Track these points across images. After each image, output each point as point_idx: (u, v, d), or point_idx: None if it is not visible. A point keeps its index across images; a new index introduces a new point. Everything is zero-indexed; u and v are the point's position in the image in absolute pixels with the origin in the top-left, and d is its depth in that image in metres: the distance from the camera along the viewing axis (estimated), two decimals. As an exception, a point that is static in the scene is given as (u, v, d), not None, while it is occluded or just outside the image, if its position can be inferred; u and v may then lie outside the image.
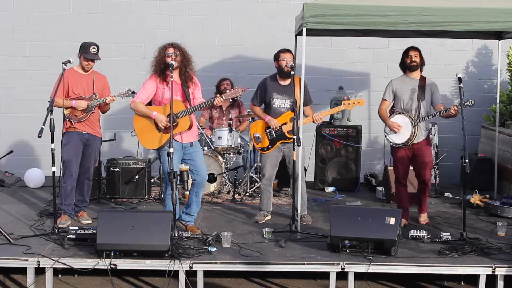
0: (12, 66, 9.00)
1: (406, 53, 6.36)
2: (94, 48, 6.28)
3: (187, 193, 6.20)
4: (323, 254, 5.42)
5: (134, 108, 5.85)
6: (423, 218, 6.50)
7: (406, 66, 6.35)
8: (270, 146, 6.46)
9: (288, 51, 6.38)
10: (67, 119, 6.27)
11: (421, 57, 6.35)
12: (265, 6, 9.07)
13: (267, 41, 8.81)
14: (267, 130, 6.45)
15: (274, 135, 6.42)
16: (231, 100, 7.92)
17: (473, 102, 6.12)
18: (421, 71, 6.39)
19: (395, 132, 6.28)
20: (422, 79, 6.35)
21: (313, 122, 6.43)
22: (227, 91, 5.90)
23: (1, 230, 5.64)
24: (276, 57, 6.39)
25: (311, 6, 5.96)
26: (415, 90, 6.29)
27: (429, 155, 6.50)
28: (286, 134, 6.33)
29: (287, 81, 6.39)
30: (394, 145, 6.34)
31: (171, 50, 5.76)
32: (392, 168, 7.38)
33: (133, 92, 6.24)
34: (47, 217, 6.51)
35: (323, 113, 6.43)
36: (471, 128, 8.69)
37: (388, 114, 6.41)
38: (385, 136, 6.40)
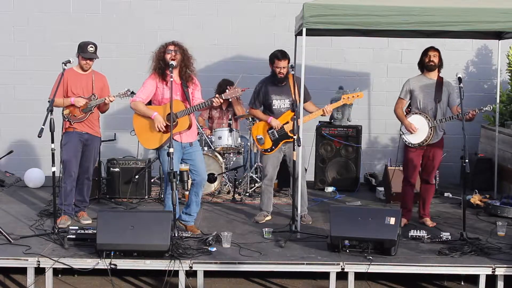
0: (12, 66, 9.00)
1: (425, 52, 6.32)
2: (91, 47, 6.28)
3: (187, 193, 6.20)
4: (323, 254, 5.42)
5: (134, 107, 5.84)
6: (430, 222, 6.45)
7: (424, 65, 6.32)
8: (273, 147, 6.44)
9: (283, 56, 6.24)
10: (66, 119, 6.27)
11: (440, 58, 6.32)
12: (265, 6, 9.07)
13: (267, 41, 8.80)
14: (269, 131, 6.44)
15: (277, 135, 6.41)
16: (230, 100, 7.91)
17: (491, 107, 6.16)
18: (439, 72, 6.36)
19: (411, 133, 6.28)
20: (440, 79, 6.32)
21: (323, 115, 6.41)
22: (227, 90, 5.88)
23: (1, 230, 5.64)
24: (271, 61, 6.33)
25: (311, 6, 5.96)
26: (432, 90, 6.26)
27: (439, 157, 6.46)
28: (289, 133, 6.31)
29: (284, 82, 6.37)
30: (410, 145, 6.31)
31: (171, 47, 5.74)
32: (392, 168, 7.40)
33: (132, 93, 6.24)
34: (47, 217, 6.51)
35: (331, 106, 6.43)
36: (471, 128, 8.67)
37: (405, 113, 6.41)
38: (401, 135, 6.38)
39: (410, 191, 6.46)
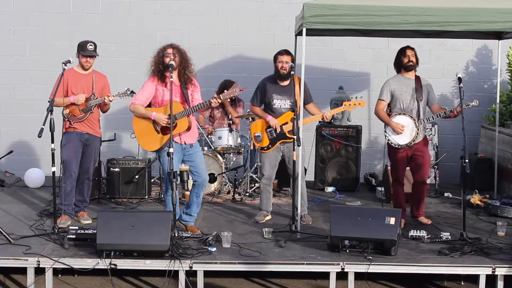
0: (12, 66, 9.01)
1: (403, 52, 6.32)
2: (91, 45, 6.29)
3: (187, 193, 6.20)
4: (323, 254, 5.42)
5: (134, 110, 5.84)
6: (425, 220, 6.48)
7: (403, 65, 6.32)
8: (270, 146, 6.46)
9: (286, 53, 6.35)
10: (66, 119, 6.27)
11: (417, 57, 6.35)
12: (265, 6, 9.07)
13: (267, 41, 8.81)
14: (268, 130, 6.46)
15: (275, 135, 6.42)
16: (229, 100, 7.91)
17: (478, 102, 6.16)
18: (415, 71, 6.39)
19: (398, 133, 6.27)
20: (418, 79, 6.34)
21: (323, 119, 6.47)
22: (225, 91, 5.88)
23: (1, 230, 5.64)
24: (274, 59, 6.40)
25: (311, 6, 5.96)
26: (413, 90, 6.28)
27: (428, 154, 6.51)
28: (287, 134, 6.34)
29: (286, 82, 6.39)
30: (397, 146, 6.30)
31: (169, 50, 5.75)
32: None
33: (132, 92, 6.24)
34: (47, 217, 6.52)
35: (331, 111, 6.51)
36: (471, 128, 8.69)
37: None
38: (386, 137, 6.36)
39: (402, 191, 6.46)
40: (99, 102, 6.29)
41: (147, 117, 5.79)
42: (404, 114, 6.27)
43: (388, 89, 6.33)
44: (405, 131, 6.24)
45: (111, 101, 6.30)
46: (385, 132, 6.35)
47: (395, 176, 6.46)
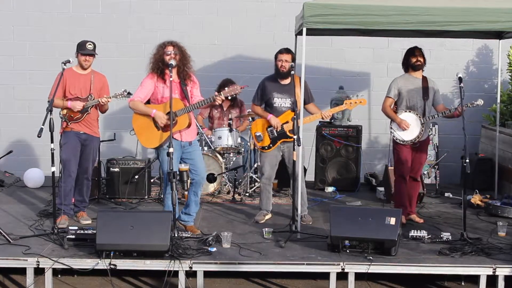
0: (12, 66, 9.00)
1: (412, 52, 6.39)
2: (90, 44, 6.28)
3: (187, 193, 6.19)
4: (323, 254, 5.41)
5: (133, 107, 5.82)
6: (418, 218, 6.53)
7: (411, 65, 6.39)
8: (271, 145, 6.45)
9: (286, 51, 6.36)
10: (64, 120, 6.26)
11: (424, 57, 6.41)
12: (265, 6, 9.06)
13: (267, 41, 8.80)
14: (269, 129, 6.45)
15: (276, 134, 6.42)
16: (229, 98, 7.86)
17: (482, 101, 6.23)
18: (422, 71, 6.43)
19: (403, 130, 6.30)
20: (424, 79, 6.41)
21: (322, 118, 6.48)
22: (226, 88, 5.86)
23: (1, 230, 5.63)
24: (275, 57, 6.40)
25: (311, 6, 5.95)
26: (420, 89, 6.34)
27: (426, 154, 6.62)
28: (288, 133, 6.33)
29: (287, 80, 6.39)
30: (403, 142, 6.34)
31: (170, 48, 5.74)
32: (392, 168, 7.39)
33: (129, 93, 6.24)
34: (47, 217, 6.51)
35: (331, 111, 6.54)
36: (472, 128, 8.68)
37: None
38: (392, 133, 6.40)
39: (405, 188, 6.48)
40: (94, 104, 6.28)
41: (147, 114, 5.78)
42: (410, 111, 6.32)
43: (396, 87, 6.40)
44: (411, 128, 6.29)
45: (105, 102, 6.29)
46: (391, 128, 6.40)
47: (400, 172, 6.49)
